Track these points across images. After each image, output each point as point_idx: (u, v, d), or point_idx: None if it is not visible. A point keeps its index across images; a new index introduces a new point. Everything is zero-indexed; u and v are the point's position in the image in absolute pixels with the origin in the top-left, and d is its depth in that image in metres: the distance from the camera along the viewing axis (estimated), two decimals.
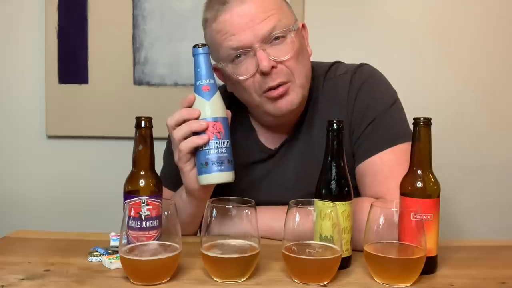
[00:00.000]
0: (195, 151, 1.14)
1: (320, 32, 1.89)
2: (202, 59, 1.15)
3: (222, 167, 1.12)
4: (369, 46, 2.00)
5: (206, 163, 1.12)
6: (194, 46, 1.15)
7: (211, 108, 1.13)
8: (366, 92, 1.30)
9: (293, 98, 1.24)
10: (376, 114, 1.27)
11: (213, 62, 1.22)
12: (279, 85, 1.22)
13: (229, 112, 1.17)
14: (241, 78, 1.24)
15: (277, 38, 1.22)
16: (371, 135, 1.27)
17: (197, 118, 1.13)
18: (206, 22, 1.28)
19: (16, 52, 2.09)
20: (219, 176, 1.12)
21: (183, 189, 1.24)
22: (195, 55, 1.15)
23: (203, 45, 1.16)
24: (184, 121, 1.14)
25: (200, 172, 1.14)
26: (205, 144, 1.12)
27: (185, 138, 1.13)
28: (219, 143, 1.12)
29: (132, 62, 2.04)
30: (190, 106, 1.15)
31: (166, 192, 1.32)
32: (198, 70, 1.15)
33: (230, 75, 1.26)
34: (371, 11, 2.02)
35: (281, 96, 1.23)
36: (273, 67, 1.21)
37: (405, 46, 2.02)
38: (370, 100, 1.29)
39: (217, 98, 1.14)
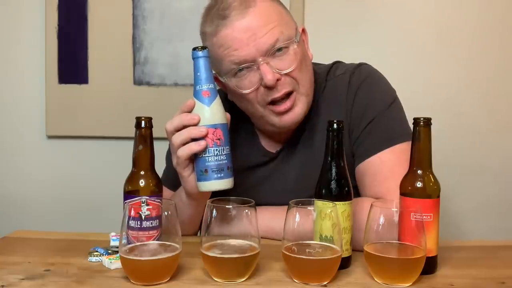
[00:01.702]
0: (194, 157, 1.12)
1: (319, 33, 1.90)
2: (202, 62, 1.12)
3: (222, 175, 1.11)
4: (369, 46, 1.99)
5: (206, 170, 1.11)
6: (194, 49, 1.13)
7: (211, 114, 1.11)
8: (365, 92, 1.29)
9: (299, 111, 1.24)
10: (376, 113, 1.27)
11: (213, 72, 1.20)
12: (284, 95, 1.21)
13: (228, 115, 1.15)
14: (244, 92, 1.23)
15: (279, 49, 1.21)
16: (371, 134, 1.26)
17: (196, 124, 1.11)
18: (205, 35, 1.26)
19: (16, 52, 2.09)
20: (219, 183, 1.11)
21: (183, 190, 1.23)
22: (194, 58, 1.12)
23: (203, 48, 1.13)
24: (184, 127, 1.12)
25: (199, 179, 1.13)
26: (204, 151, 1.10)
27: (184, 144, 1.12)
28: (218, 150, 1.11)
29: (132, 62, 2.04)
30: (189, 112, 1.13)
31: (167, 192, 1.32)
32: (198, 74, 1.12)
33: (233, 89, 1.25)
34: (371, 11, 2.02)
35: (287, 111, 1.23)
36: (277, 79, 1.20)
37: (405, 46, 2.02)
38: (369, 99, 1.29)
39: (217, 103, 1.12)
